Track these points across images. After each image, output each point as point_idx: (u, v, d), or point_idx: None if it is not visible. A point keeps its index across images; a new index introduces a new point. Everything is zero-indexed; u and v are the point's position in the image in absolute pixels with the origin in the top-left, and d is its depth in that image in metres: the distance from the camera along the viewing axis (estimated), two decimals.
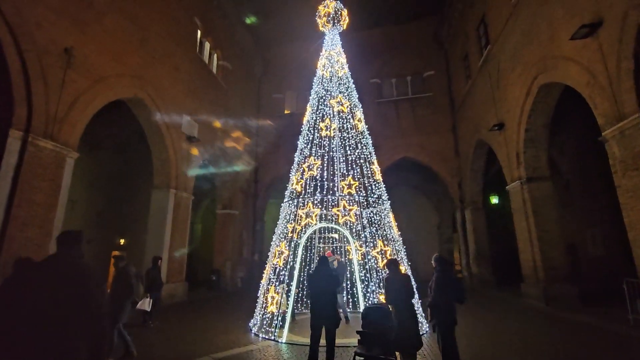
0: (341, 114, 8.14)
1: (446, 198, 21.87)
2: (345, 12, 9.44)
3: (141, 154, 14.91)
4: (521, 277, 11.55)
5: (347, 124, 8.11)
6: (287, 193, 8.12)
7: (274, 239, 7.78)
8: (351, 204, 7.02)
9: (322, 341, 4.39)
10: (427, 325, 5.99)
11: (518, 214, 10.97)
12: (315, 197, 7.12)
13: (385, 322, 3.79)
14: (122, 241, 14.68)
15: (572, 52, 7.48)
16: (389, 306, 4.13)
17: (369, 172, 7.63)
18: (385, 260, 6.74)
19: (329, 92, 8.49)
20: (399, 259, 4.72)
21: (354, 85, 8.80)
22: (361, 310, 6.14)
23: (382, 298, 6.40)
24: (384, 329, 3.74)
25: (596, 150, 12.80)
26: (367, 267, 6.36)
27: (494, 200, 17.76)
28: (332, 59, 8.96)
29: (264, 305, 7.03)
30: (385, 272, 6.64)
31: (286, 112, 20.27)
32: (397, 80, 18.89)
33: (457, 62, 16.62)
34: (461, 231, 16.65)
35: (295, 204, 7.51)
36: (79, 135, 8.19)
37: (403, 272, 4.67)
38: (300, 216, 7.10)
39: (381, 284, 6.49)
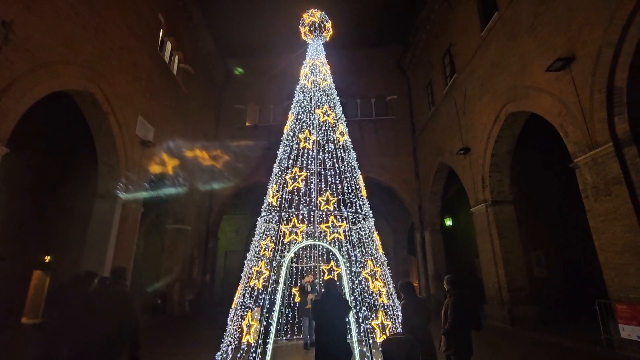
0: (326, 125, 7.72)
1: (402, 220, 22.38)
2: (329, 24, 9.24)
3: (78, 158, 13.04)
4: (476, 298, 11.82)
5: (330, 136, 7.71)
6: (263, 207, 7.38)
7: (248, 258, 6.92)
8: (340, 220, 6.52)
9: None
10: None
11: (482, 235, 11.30)
12: (302, 212, 6.48)
13: (412, 356, 3.28)
14: (47, 258, 12.39)
15: (544, 83, 7.99)
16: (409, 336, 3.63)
17: (356, 187, 7.24)
18: (374, 282, 6.30)
19: (312, 102, 8.06)
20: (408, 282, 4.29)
21: (338, 98, 8.49)
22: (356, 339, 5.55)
23: (374, 324, 5.90)
24: None
25: (541, 178, 14.02)
26: (358, 289, 5.81)
27: (448, 222, 18.49)
28: (315, 69, 8.60)
29: (236, 335, 6.09)
30: (373, 293, 6.19)
31: (247, 124, 19.47)
32: (362, 101, 19.24)
33: (419, 88, 17.37)
34: (420, 252, 16.91)
35: (275, 219, 6.80)
36: (11, 128, 6.72)
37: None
38: (284, 232, 6.39)
39: (372, 308, 6.01)
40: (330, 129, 7.74)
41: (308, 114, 7.90)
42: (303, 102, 8.15)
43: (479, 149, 11.19)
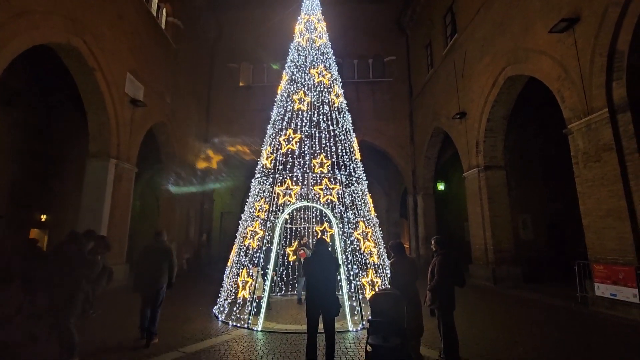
0: (321, 86, 7.54)
1: (396, 183, 22.63)
2: None
3: (71, 114, 12.71)
4: (462, 258, 12.29)
5: (325, 97, 7.55)
6: (257, 169, 7.41)
7: (243, 218, 7.06)
8: (333, 182, 6.59)
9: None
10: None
11: (473, 199, 11.55)
12: (296, 174, 6.53)
13: (399, 309, 3.49)
14: (43, 217, 12.50)
15: (546, 45, 7.77)
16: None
17: (350, 150, 7.24)
18: (365, 243, 6.51)
19: (307, 61, 7.80)
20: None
21: (334, 57, 8.22)
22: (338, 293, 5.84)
23: (364, 281, 6.18)
24: (398, 317, 3.44)
25: (533, 144, 14.09)
26: (350, 249, 6.02)
27: (440, 187, 18.77)
28: (311, 25, 8.24)
29: (232, 290, 6.37)
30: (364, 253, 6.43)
31: (241, 84, 18.89)
32: (359, 62, 18.63)
33: (419, 49, 16.81)
34: (412, 215, 17.30)
35: (269, 181, 6.86)
36: None
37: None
38: (278, 194, 6.47)
39: (363, 267, 6.27)
40: (326, 90, 7.58)
41: (303, 75, 7.69)
42: (297, 62, 7.89)
43: (476, 113, 11.10)
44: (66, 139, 12.80)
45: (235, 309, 6.05)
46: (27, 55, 7.74)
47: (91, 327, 5.54)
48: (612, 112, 6.33)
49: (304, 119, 7.21)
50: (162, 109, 13.07)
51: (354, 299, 5.80)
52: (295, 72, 7.77)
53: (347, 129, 7.65)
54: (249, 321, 5.68)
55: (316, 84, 7.56)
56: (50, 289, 4.00)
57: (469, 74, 11.64)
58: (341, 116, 7.66)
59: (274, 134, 7.35)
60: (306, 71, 7.68)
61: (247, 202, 7.30)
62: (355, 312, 5.71)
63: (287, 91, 7.66)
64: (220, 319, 6.16)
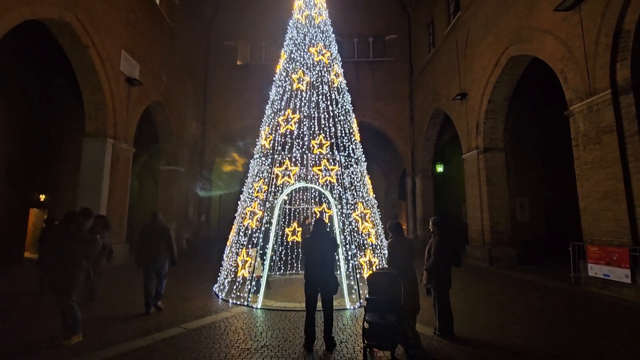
0: (320, 64, 7.39)
1: (395, 165, 22.63)
2: None
3: (67, 93, 12.47)
4: (459, 239, 12.43)
5: (324, 77, 7.41)
6: (256, 149, 7.37)
7: (242, 199, 7.08)
8: (332, 163, 6.57)
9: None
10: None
11: (471, 181, 11.57)
12: (295, 155, 6.49)
13: (396, 288, 3.56)
14: (42, 197, 12.49)
15: (551, 24, 7.59)
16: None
17: (349, 131, 7.17)
18: (364, 224, 6.56)
19: (306, 39, 7.61)
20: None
21: (333, 36, 8.03)
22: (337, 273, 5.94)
23: (361, 261, 6.27)
24: (395, 296, 3.51)
25: (532, 127, 13.99)
26: (348, 230, 6.07)
27: (439, 169, 18.79)
28: (310, 1, 7.99)
29: (232, 269, 6.46)
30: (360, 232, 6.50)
31: (238, 63, 18.52)
32: (359, 41, 18.22)
33: (420, 27, 16.41)
34: (410, 197, 17.39)
35: (268, 161, 6.83)
36: None
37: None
38: (277, 175, 6.46)
39: (361, 247, 6.34)
40: (325, 69, 7.43)
41: (302, 53, 7.52)
42: (296, 40, 7.70)
43: (477, 94, 10.96)
44: (63, 119, 12.63)
45: (235, 287, 6.16)
46: (20, 34, 7.53)
47: (93, 304, 5.66)
48: (615, 93, 6.26)
49: (303, 98, 7.11)
50: (158, 87, 12.86)
51: (351, 278, 5.91)
52: (294, 51, 7.60)
53: (347, 110, 7.56)
54: (249, 299, 5.79)
55: (315, 63, 7.41)
56: (52, 268, 4.06)
57: (471, 54, 11.41)
58: (340, 96, 7.56)
59: (272, 114, 7.27)
60: (305, 49, 7.51)
61: (245, 183, 7.30)
62: (353, 291, 5.83)
63: (285, 70, 7.52)
64: (220, 297, 6.27)
